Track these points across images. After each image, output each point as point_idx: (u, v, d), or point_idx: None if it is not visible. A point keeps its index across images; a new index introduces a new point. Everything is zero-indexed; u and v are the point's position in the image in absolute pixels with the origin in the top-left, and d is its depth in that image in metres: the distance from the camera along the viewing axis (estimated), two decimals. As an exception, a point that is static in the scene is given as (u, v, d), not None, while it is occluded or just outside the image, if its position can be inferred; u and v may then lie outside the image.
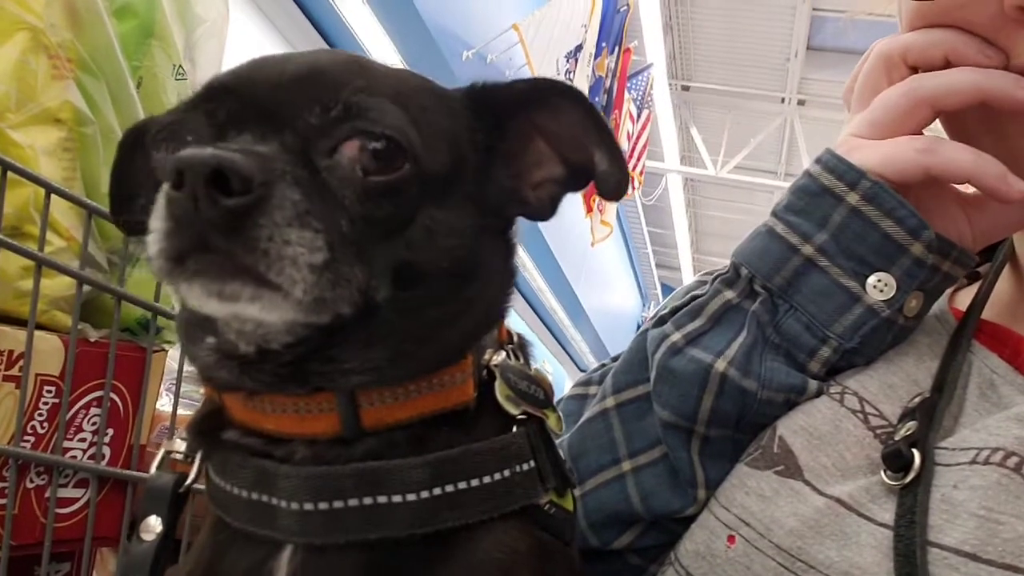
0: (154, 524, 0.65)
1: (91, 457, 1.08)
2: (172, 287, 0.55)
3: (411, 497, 0.57)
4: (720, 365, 0.73)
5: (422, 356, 0.60)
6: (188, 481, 0.66)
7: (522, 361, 0.67)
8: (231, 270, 0.52)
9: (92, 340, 1.06)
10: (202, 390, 0.65)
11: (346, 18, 5.10)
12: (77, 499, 1.08)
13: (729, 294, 0.77)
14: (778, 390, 0.73)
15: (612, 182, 0.65)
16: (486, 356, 0.65)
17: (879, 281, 0.70)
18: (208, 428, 0.64)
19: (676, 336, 0.76)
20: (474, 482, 0.59)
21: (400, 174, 0.57)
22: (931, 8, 0.69)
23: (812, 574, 0.63)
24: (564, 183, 0.68)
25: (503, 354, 0.65)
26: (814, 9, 8.38)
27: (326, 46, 5.08)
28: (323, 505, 0.57)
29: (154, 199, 0.71)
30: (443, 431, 0.60)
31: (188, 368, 1.24)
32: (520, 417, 0.63)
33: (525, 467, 0.62)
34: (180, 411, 1.18)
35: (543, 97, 0.66)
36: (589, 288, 10.70)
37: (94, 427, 1.08)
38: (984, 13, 0.65)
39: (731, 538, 0.70)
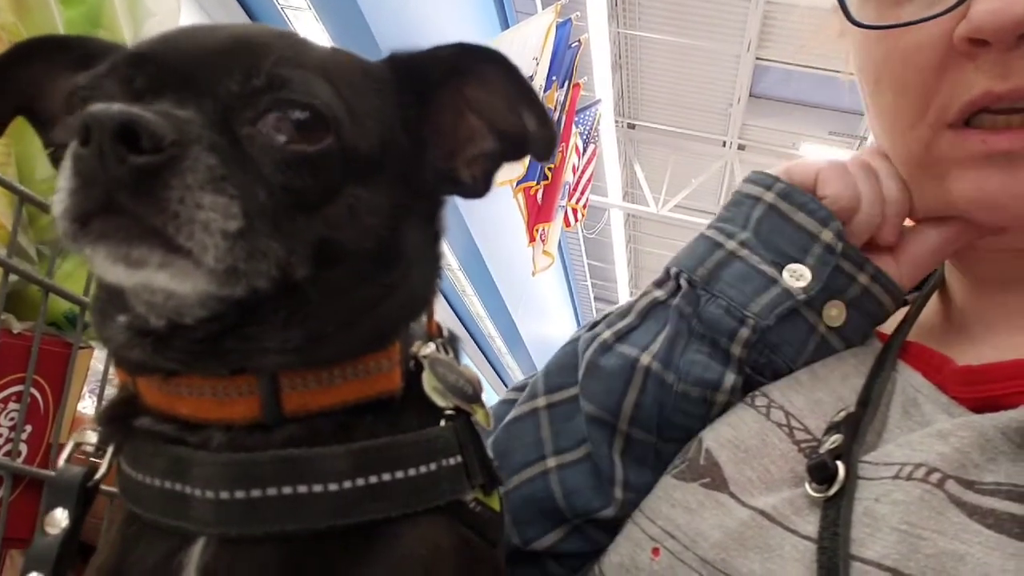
0: (60, 518, 0.62)
1: (7, 454, 1.03)
2: (78, 251, 0.53)
3: (332, 487, 0.55)
4: (645, 359, 0.76)
5: (345, 339, 0.59)
6: (98, 474, 0.63)
7: (451, 355, 0.67)
8: (138, 233, 0.50)
9: (16, 332, 1.03)
10: (116, 378, 0.63)
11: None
12: (-12, 497, 1.03)
13: (657, 292, 0.81)
14: (694, 384, 0.75)
15: (542, 142, 0.64)
16: (414, 347, 0.64)
17: (794, 271, 0.76)
18: (120, 415, 0.61)
19: (606, 334, 0.80)
20: (399, 474, 0.57)
21: (321, 147, 0.55)
22: (883, 40, 0.72)
23: None
24: (497, 156, 0.67)
25: (432, 346, 0.64)
26: (757, 58, 8.65)
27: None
28: (240, 494, 0.54)
29: (3, 116, 0.68)
30: (367, 420, 0.59)
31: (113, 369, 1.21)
32: (448, 411, 0.62)
33: (452, 462, 0.60)
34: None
35: (467, 64, 0.65)
36: (527, 317, 10.73)
37: (12, 422, 1.03)
38: (937, 47, 0.68)
39: (656, 550, 0.70)
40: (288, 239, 0.54)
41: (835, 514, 0.61)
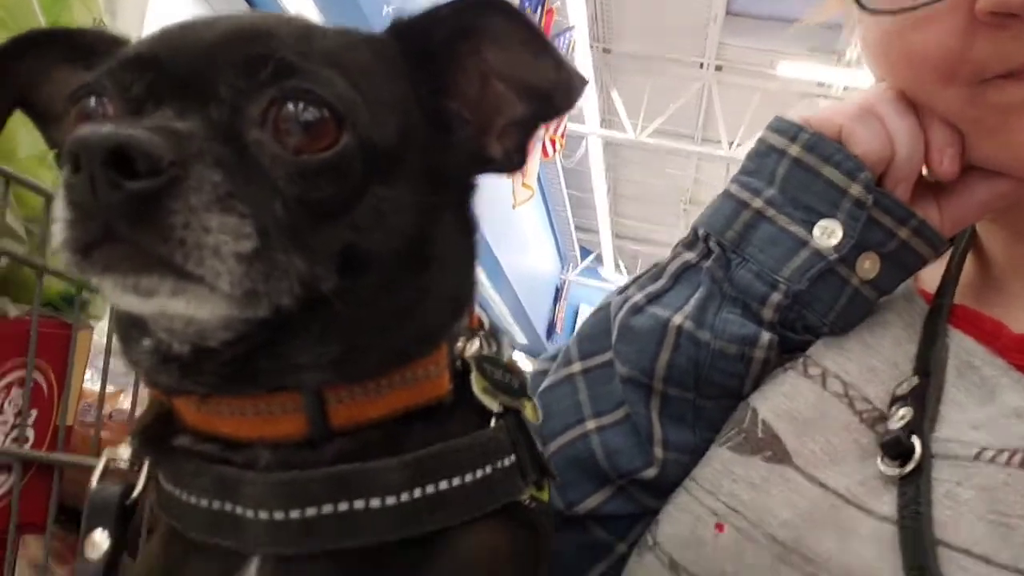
0: (100, 540, 0.59)
1: (14, 440, 1.01)
2: (87, 279, 0.49)
3: (390, 501, 0.53)
4: (677, 319, 0.74)
5: (385, 349, 0.56)
6: (135, 492, 0.60)
7: (494, 349, 0.64)
8: (145, 262, 0.46)
9: (12, 317, 0.99)
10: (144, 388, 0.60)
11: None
12: (-1, 485, 1.01)
13: (688, 255, 0.79)
14: (731, 340, 0.74)
15: (562, 88, 0.59)
16: (458, 346, 0.61)
17: (825, 228, 0.73)
18: (157, 434, 0.58)
19: (638, 296, 0.78)
20: (455, 481, 0.55)
21: (338, 149, 0.51)
22: (901, 23, 0.68)
23: (810, 567, 0.62)
24: (529, 121, 0.61)
25: (476, 343, 0.62)
26: (733, -26, 8.48)
27: (246, 4, 4.85)
28: (294, 514, 0.52)
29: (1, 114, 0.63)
30: (418, 428, 0.56)
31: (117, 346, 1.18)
32: (497, 410, 0.60)
33: (506, 463, 0.58)
34: (109, 388, 1.12)
35: (472, 22, 0.59)
36: (509, 250, 10.71)
37: (16, 409, 1.01)
38: (959, 14, 0.64)
39: (719, 526, 0.69)
40: (310, 252, 0.50)
41: (914, 492, 0.60)
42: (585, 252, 16.91)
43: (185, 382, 0.53)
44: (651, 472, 0.77)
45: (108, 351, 1.10)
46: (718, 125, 10.31)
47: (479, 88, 0.60)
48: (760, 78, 9.55)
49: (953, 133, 0.72)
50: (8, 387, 1.00)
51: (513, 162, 0.62)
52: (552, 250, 14.77)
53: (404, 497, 0.54)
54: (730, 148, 10.26)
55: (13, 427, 1.01)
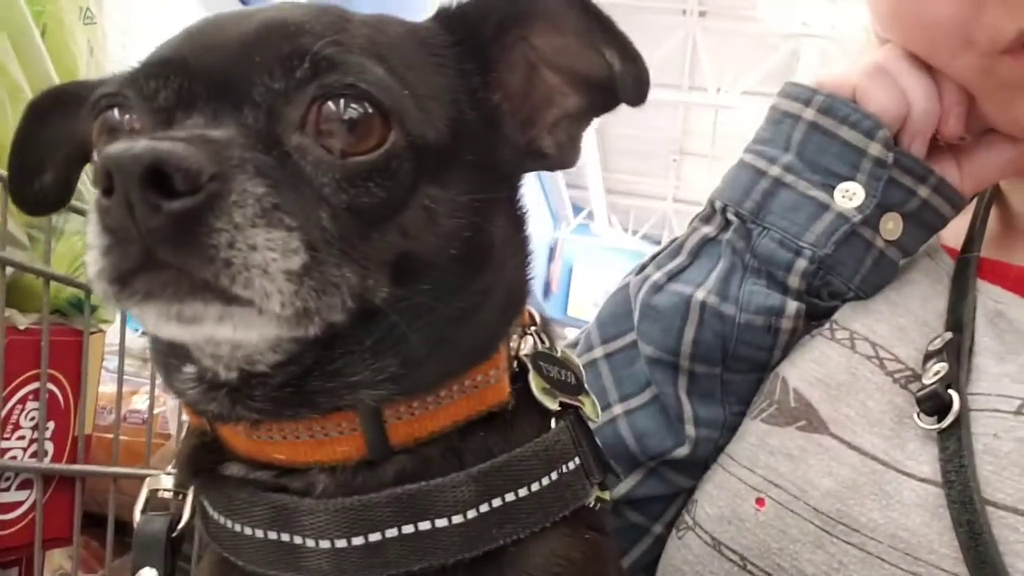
0: None
1: (33, 455, 0.98)
2: (123, 310, 0.46)
3: (457, 519, 0.50)
4: (700, 295, 0.73)
5: (444, 358, 0.52)
6: (181, 523, 0.57)
7: (547, 344, 0.60)
8: (188, 288, 0.42)
9: (22, 328, 0.95)
10: (186, 416, 0.56)
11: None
12: (21, 502, 0.98)
13: (706, 229, 0.77)
14: (756, 312, 0.72)
15: (630, 80, 0.54)
16: (513, 345, 0.57)
17: (847, 191, 0.72)
18: (204, 464, 0.54)
19: (657, 275, 0.77)
20: (522, 491, 0.52)
21: (386, 149, 0.47)
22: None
23: (856, 537, 0.61)
24: (584, 113, 0.57)
25: (530, 340, 0.58)
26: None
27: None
28: (358, 540, 0.49)
29: (63, 175, 0.61)
30: (480, 437, 0.53)
31: (130, 345, 1.14)
32: (556, 409, 0.57)
33: (571, 465, 0.55)
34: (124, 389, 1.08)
35: (526, 7, 0.55)
36: (502, 213, 10.66)
37: (33, 422, 0.97)
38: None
39: (760, 500, 0.67)
40: (361, 263, 0.46)
41: (956, 445, 0.59)
42: (577, 209, 16.83)
43: (236, 409, 0.50)
44: (682, 451, 0.75)
45: (122, 354, 1.07)
46: (704, 72, 10.18)
47: (526, 79, 0.56)
48: (745, 21, 9.41)
49: (962, 93, 0.71)
50: (24, 400, 0.96)
51: (565, 159, 0.58)
52: (544, 209, 14.67)
53: (471, 514, 0.51)
54: (717, 94, 10.15)
55: (32, 442, 0.98)
